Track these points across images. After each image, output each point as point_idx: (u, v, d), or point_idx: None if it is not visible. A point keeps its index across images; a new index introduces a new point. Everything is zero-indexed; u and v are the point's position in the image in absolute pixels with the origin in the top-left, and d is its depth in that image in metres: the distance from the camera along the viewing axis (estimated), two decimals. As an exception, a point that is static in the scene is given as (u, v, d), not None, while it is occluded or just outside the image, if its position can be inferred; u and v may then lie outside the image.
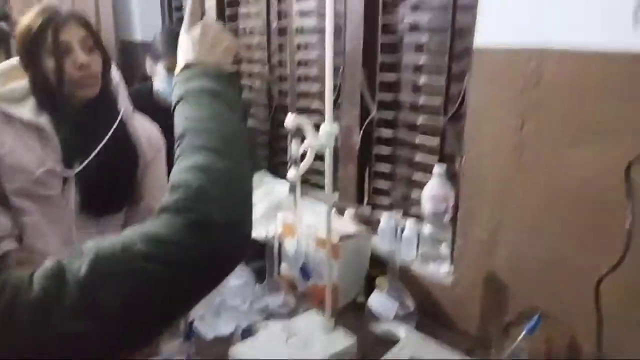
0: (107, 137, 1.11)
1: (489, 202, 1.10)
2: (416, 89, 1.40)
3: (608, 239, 0.90)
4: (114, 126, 1.13)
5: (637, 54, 0.84)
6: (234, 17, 1.99)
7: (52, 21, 1.05)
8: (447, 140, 1.31)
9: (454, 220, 1.21)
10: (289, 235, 1.36)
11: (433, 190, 1.20)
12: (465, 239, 1.15)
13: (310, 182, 1.73)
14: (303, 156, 1.18)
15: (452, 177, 1.25)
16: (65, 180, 1.10)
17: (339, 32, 1.50)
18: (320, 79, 1.65)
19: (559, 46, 0.94)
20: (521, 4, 0.98)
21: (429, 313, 1.20)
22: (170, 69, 1.60)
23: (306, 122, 1.16)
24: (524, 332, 0.95)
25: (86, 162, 1.10)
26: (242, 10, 1.95)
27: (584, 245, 0.95)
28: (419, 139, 1.38)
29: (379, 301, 1.12)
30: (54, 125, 1.09)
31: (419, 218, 1.33)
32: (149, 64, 1.67)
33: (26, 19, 1.07)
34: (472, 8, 1.10)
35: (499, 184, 1.07)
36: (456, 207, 1.19)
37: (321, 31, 1.59)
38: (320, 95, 1.65)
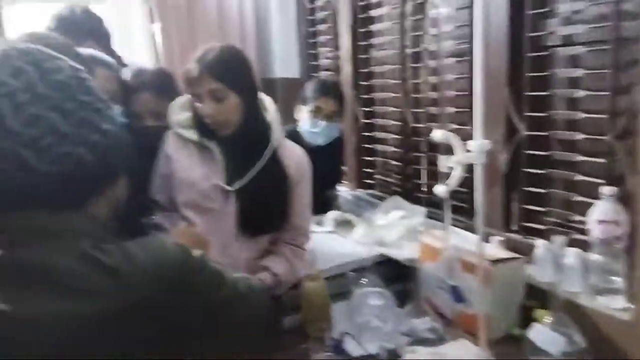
0: (261, 161, 1.20)
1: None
2: (572, 105, 1.29)
3: None
4: (265, 153, 1.21)
5: None
6: (366, 49, 2.06)
7: (189, 73, 1.16)
8: (614, 159, 1.17)
9: (629, 249, 1.06)
10: (429, 259, 1.31)
11: (602, 215, 1.07)
12: (646, 270, 1.00)
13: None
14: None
15: (622, 200, 1.11)
16: (226, 197, 1.20)
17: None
18: (456, 101, 1.61)
19: None
20: None
21: (603, 352, 1.06)
22: (313, 112, 1.73)
23: (455, 137, 1.12)
24: None
25: (244, 180, 1.19)
26: (375, 40, 2.01)
27: None
28: (578, 159, 1.26)
29: (543, 335, 1.01)
30: (217, 147, 1.21)
31: (581, 246, 1.19)
32: (298, 108, 1.83)
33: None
34: (638, 14, 0.99)
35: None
36: (632, 235, 1.04)
37: (455, 54, 1.57)
38: (456, 118, 1.60)
